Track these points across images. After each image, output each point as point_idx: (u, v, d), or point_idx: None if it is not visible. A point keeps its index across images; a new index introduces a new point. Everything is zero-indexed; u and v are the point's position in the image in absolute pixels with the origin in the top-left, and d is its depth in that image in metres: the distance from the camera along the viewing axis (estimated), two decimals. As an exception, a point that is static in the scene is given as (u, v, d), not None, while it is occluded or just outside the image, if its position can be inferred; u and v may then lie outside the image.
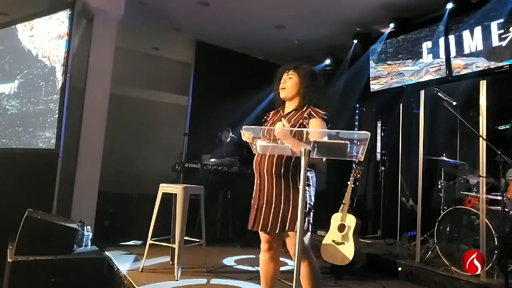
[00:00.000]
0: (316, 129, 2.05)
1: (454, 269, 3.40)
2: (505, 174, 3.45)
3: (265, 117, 2.44)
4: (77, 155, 4.33)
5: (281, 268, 3.88)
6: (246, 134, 1.92)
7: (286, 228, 2.12)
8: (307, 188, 2.16)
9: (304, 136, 1.79)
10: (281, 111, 2.35)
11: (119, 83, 5.28)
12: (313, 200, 2.21)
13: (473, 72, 3.86)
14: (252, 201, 2.28)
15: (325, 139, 1.67)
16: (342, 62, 5.74)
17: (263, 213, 2.19)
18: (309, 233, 2.18)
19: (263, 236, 2.30)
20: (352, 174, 3.83)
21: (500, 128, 4.05)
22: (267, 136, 1.90)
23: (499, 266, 3.15)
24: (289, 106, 2.31)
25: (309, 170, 2.18)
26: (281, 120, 2.18)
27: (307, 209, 2.16)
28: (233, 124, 5.34)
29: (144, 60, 6.52)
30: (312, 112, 2.18)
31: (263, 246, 2.30)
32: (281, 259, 4.30)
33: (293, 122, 2.17)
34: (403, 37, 4.68)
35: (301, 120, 2.17)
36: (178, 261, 3.24)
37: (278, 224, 2.13)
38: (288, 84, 2.26)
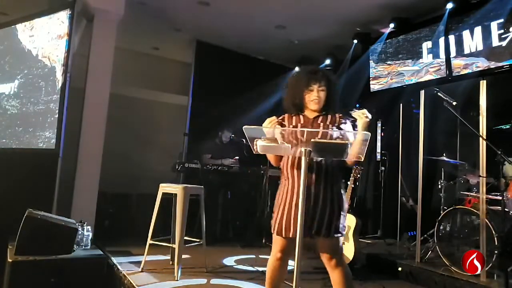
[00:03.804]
0: (362, 131, 2.08)
1: (454, 269, 3.40)
2: (504, 174, 3.46)
3: (279, 120, 2.35)
4: (77, 155, 4.33)
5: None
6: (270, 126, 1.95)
7: (331, 234, 2.11)
8: (343, 191, 2.23)
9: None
10: (302, 116, 2.31)
11: (119, 83, 5.28)
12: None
13: (473, 72, 3.86)
14: (282, 206, 2.20)
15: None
16: (342, 62, 5.73)
17: (309, 218, 2.09)
18: (342, 237, 2.19)
19: (279, 245, 2.21)
20: (352, 174, 3.83)
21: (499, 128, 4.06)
22: (300, 139, 1.96)
23: (499, 266, 3.16)
24: (312, 110, 2.30)
25: (342, 172, 2.24)
26: (307, 123, 2.24)
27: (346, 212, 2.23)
28: (233, 124, 5.33)
29: (144, 60, 6.52)
30: (341, 118, 2.28)
31: (277, 254, 2.22)
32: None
33: (329, 124, 2.23)
34: (403, 37, 4.68)
35: (337, 124, 2.25)
36: (178, 261, 3.24)
37: (331, 228, 2.11)
38: (322, 96, 2.26)
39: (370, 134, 1.87)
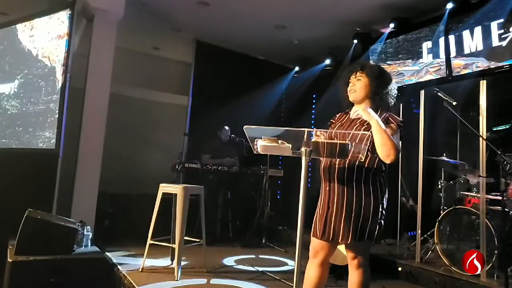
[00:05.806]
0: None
1: (454, 269, 3.40)
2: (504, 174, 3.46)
3: (331, 120, 2.31)
4: (77, 155, 4.33)
5: (281, 268, 3.90)
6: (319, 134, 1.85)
7: (364, 237, 2.03)
8: (379, 194, 2.07)
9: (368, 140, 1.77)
10: (349, 113, 2.23)
11: (119, 83, 5.27)
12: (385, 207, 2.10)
13: (473, 72, 3.86)
14: (318, 209, 2.16)
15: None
16: (342, 62, 5.73)
17: (333, 222, 2.06)
18: (370, 241, 2.09)
19: (311, 245, 2.17)
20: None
21: (500, 128, 4.06)
22: (340, 139, 1.84)
23: (499, 266, 3.16)
24: (358, 108, 2.18)
25: (381, 175, 2.09)
26: (346, 123, 2.15)
27: (382, 218, 2.08)
28: (233, 124, 5.34)
29: (144, 60, 6.51)
30: (390, 118, 2.09)
31: (309, 253, 2.18)
32: (280, 259, 4.33)
33: (366, 126, 2.05)
34: (403, 37, 4.68)
35: None
36: (178, 261, 3.24)
37: (351, 233, 2.01)
38: (358, 86, 2.14)
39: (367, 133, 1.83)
